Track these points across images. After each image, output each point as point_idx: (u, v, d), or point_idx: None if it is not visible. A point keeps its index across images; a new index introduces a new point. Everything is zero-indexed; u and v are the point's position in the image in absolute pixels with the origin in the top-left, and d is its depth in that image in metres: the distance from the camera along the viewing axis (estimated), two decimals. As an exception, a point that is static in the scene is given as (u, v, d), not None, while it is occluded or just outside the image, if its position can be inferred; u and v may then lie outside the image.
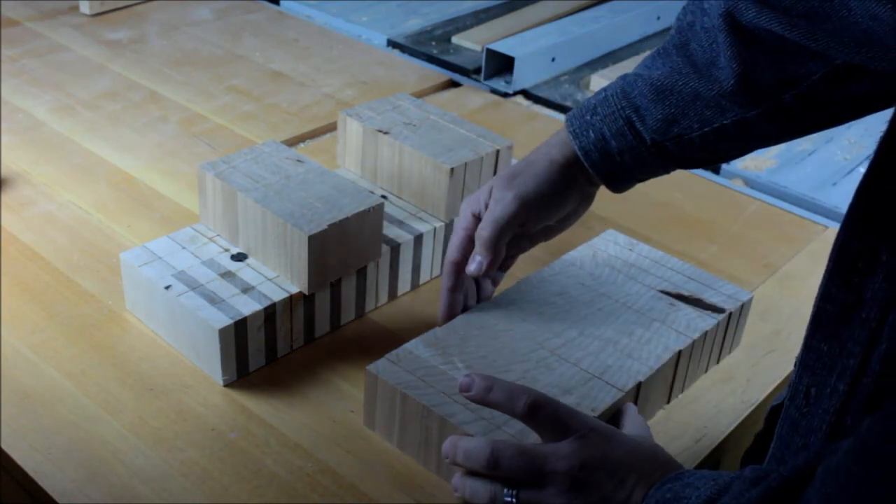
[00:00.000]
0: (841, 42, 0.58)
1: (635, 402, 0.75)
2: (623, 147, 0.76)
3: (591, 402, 0.72)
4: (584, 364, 0.75)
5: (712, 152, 0.76)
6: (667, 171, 0.78)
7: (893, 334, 0.50)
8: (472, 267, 0.78)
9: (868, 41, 0.56)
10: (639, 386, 0.74)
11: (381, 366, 0.74)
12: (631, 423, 0.71)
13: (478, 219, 0.79)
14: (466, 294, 0.81)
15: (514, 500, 0.63)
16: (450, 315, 0.80)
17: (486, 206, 0.78)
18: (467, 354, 0.75)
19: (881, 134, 0.53)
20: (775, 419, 0.62)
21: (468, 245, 0.79)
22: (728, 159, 0.79)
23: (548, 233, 0.82)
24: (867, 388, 0.51)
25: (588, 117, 0.77)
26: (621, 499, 0.61)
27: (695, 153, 0.75)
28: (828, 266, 0.54)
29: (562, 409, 0.64)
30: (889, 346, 0.50)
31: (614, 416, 0.73)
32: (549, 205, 0.78)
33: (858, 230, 0.52)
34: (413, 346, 0.76)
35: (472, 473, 0.65)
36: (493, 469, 0.63)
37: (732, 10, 0.66)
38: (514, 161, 0.92)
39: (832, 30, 0.58)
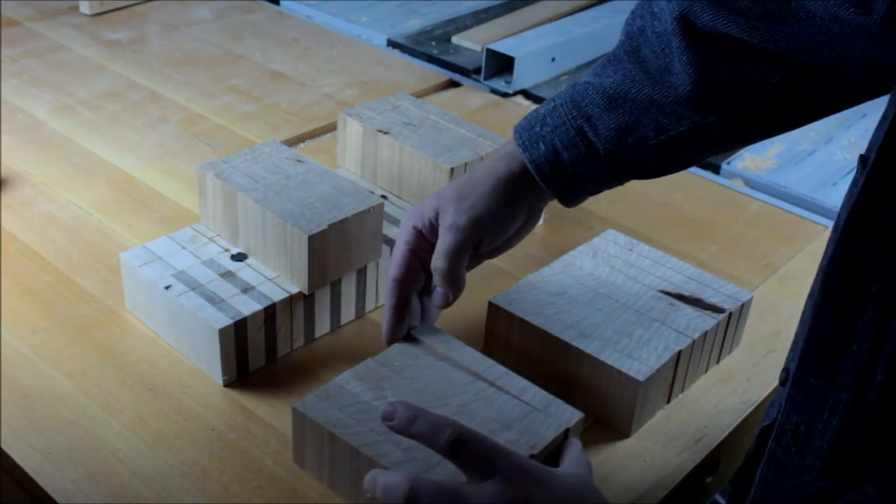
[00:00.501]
0: (800, 44, 0.57)
1: (635, 403, 0.75)
2: (576, 158, 0.72)
3: (530, 439, 0.68)
4: (525, 396, 0.72)
5: (669, 160, 0.74)
6: (621, 182, 0.76)
7: (890, 364, 0.49)
8: (437, 301, 0.74)
9: (830, 43, 0.54)
10: (640, 385, 0.75)
11: (308, 403, 0.70)
12: (570, 462, 0.66)
13: (420, 233, 0.75)
14: (410, 314, 0.76)
15: None
16: (394, 334, 0.75)
17: (430, 224, 0.74)
18: (401, 388, 0.71)
19: (867, 161, 0.52)
20: (766, 439, 0.60)
21: (411, 260, 0.74)
22: (688, 165, 0.76)
23: (494, 252, 0.78)
24: (864, 421, 0.51)
25: (538, 129, 0.73)
26: None
27: (650, 161, 0.73)
28: (815, 300, 0.53)
29: (489, 446, 0.59)
30: (884, 377, 0.49)
31: (556, 451, 0.68)
32: (502, 225, 0.75)
33: (845, 263, 0.51)
34: (343, 379, 0.72)
35: None
36: None
37: (687, 14, 0.63)
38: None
39: (790, 32, 0.56)
